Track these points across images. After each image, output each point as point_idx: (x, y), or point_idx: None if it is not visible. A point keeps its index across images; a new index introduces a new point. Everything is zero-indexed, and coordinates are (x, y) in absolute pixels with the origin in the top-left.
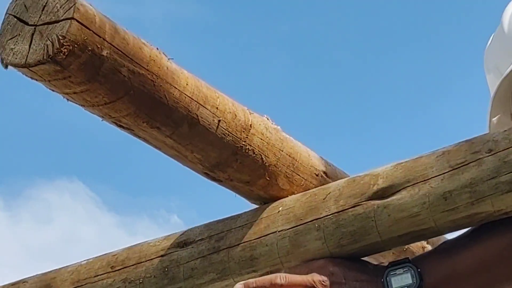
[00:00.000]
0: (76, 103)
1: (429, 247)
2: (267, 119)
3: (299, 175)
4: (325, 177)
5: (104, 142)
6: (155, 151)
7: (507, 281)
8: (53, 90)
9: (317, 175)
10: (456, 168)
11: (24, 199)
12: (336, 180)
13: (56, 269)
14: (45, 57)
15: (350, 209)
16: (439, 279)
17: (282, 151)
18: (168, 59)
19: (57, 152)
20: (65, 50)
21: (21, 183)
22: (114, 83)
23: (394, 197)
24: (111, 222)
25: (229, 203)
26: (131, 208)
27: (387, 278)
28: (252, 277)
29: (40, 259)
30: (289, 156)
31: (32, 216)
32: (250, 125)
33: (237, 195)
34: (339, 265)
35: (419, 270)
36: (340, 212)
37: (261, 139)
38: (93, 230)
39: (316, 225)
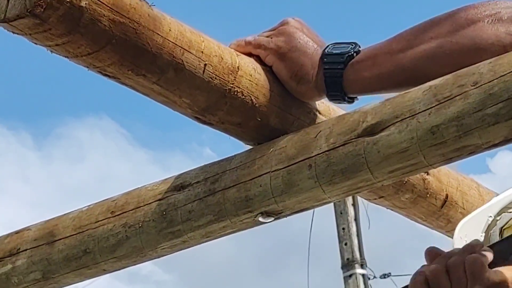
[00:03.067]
0: (60, 55)
1: (429, 178)
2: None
3: (291, 114)
4: (318, 114)
5: None
6: None
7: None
8: (35, 43)
9: (309, 113)
10: (443, 102)
11: (54, 138)
12: (329, 117)
13: (58, 216)
14: (23, 12)
15: (340, 147)
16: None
17: (272, 91)
18: (149, 5)
19: (83, 90)
20: (43, 3)
21: (50, 122)
22: (96, 33)
23: (383, 133)
24: (145, 158)
25: None
26: (163, 143)
27: (330, 45)
28: (248, 218)
29: (75, 198)
30: (279, 96)
31: (64, 155)
32: (238, 67)
33: (230, 137)
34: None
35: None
36: (331, 150)
37: (250, 80)
38: (126, 167)
39: (308, 164)
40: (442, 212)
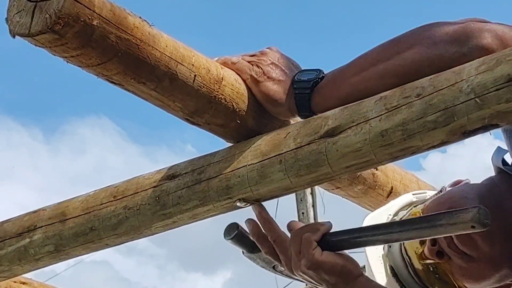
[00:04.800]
0: (74, 65)
1: (378, 173)
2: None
3: (265, 118)
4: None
5: None
6: None
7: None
8: (54, 54)
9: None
10: (391, 110)
11: (60, 134)
12: (296, 122)
13: (68, 199)
14: (45, 28)
15: (306, 146)
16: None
17: (250, 99)
18: (150, 25)
19: (85, 93)
20: (61, 21)
21: (56, 120)
22: (105, 47)
23: (341, 135)
24: (136, 152)
25: None
26: (152, 140)
27: (299, 73)
28: (228, 203)
29: (77, 184)
30: (256, 103)
31: (69, 148)
32: (222, 78)
33: (214, 136)
34: (281, 59)
35: (323, 74)
36: (298, 148)
37: (232, 89)
38: (120, 159)
39: (279, 159)
40: (388, 201)
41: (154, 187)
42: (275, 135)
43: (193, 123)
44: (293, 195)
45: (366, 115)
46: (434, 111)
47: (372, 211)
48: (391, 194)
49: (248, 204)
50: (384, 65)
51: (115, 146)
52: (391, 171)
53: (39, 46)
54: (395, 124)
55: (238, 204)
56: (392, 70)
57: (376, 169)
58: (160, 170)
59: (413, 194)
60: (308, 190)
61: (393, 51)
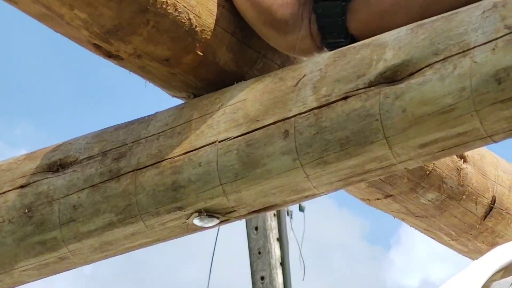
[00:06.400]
0: None
1: (467, 169)
2: None
3: (252, 48)
4: None
5: None
6: None
7: None
8: None
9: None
10: None
11: None
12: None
13: None
14: None
15: (339, 102)
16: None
17: (224, 7)
18: None
19: None
20: None
21: None
22: None
23: (412, 81)
24: None
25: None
26: None
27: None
28: (176, 219)
29: None
30: (236, 16)
31: None
32: None
33: (148, 82)
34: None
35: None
36: (323, 108)
37: None
38: None
39: (283, 130)
40: (485, 226)
41: (22, 187)
42: (275, 81)
43: (109, 54)
44: (244, 240)
45: (464, 39)
46: None
47: (451, 245)
48: (492, 211)
49: (217, 222)
50: None
51: None
52: (492, 166)
53: None
54: None
55: (196, 221)
56: None
57: (464, 161)
58: (33, 153)
59: None
60: (273, 223)
61: None
